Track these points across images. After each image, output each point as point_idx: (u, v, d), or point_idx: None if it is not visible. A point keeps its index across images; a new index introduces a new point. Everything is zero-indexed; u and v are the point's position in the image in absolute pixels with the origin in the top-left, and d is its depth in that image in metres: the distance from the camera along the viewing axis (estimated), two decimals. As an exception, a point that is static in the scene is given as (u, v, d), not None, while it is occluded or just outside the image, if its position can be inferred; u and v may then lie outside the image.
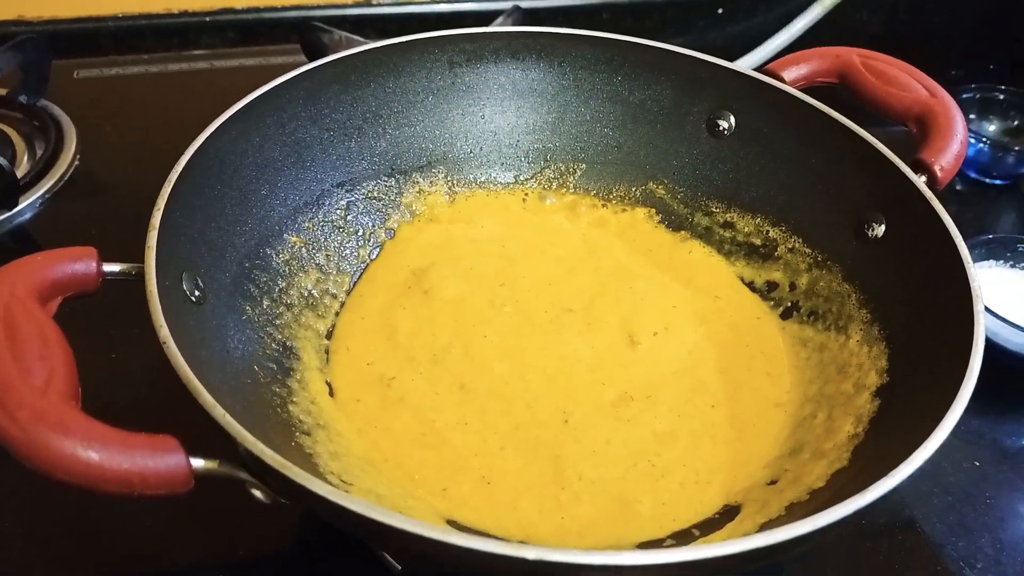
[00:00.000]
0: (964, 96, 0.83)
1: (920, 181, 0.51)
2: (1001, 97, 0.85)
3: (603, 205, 0.65)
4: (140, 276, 0.43)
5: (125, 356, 0.57)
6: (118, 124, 0.84)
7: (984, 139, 0.79)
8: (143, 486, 0.33)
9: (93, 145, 0.80)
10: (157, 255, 0.43)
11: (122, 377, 0.55)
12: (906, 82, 0.58)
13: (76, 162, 0.77)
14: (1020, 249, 0.66)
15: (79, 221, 0.71)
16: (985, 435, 0.59)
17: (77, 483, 0.33)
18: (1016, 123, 0.85)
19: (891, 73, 0.59)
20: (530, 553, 0.31)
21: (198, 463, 0.35)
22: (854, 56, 0.60)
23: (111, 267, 0.43)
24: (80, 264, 0.41)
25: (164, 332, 0.39)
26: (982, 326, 0.42)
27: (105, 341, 0.58)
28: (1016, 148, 0.80)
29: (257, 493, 0.37)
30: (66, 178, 0.76)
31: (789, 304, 0.58)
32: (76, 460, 0.32)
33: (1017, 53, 0.98)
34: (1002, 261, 0.66)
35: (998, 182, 0.81)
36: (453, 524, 0.45)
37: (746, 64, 0.83)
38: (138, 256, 0.44)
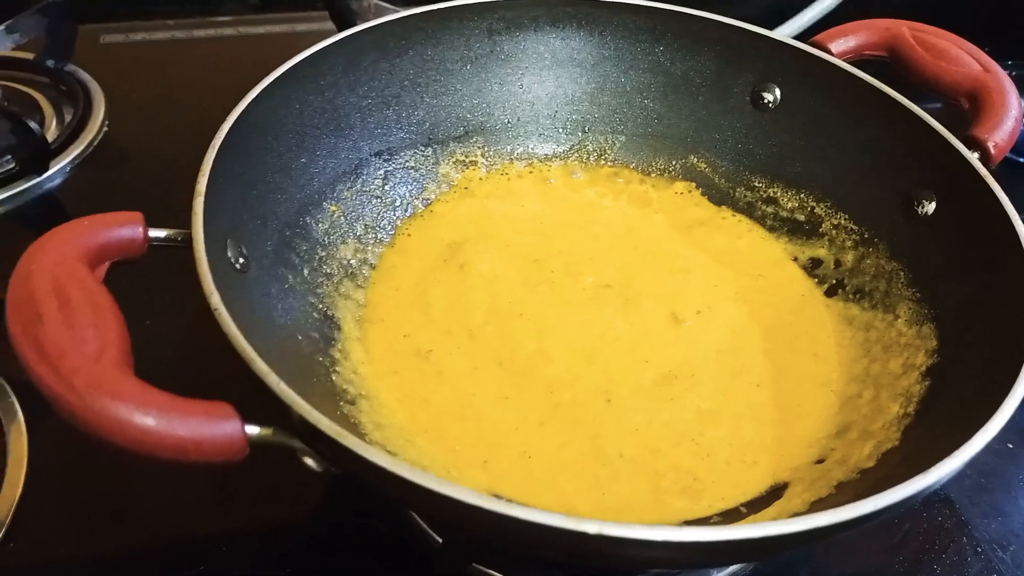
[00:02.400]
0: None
1: (974, 158, 0.50)
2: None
3: (642, 179, 0.64)
4: (186, 242, 0.42)
5: (167, 322, 0.57)
6: (146, 90, 0.83)
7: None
8: (199, 453, 0.33)
9: (121, 111, 0.79)
10: (204, 221, 0.42)
11: (166, 344, 0.55)
12: (958, 56, 0.56)
13: (104, 128, 0.77)
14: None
15: (109, 187, 0.71)
16: (1017, 417, 0.58)
17: (133, 449, 0.32)
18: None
19: (942, 47, 0.57)
20: (591, 527, 0.31)
21: (253, 430, 0.34)
22: (904, 28, 0.59)
23: (157, 233, 0.42)
24: (127, 229, 0.41)
25: (215, 299, 0.38)
26: (1041, 308, 0.41)
27: (147, 307, 0.57)
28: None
29: (309, 462, 0.36)
30: (95, 144, 0.75)
31: (834, 281, 0.57)
32: (133, 426, 0.32)
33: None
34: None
35: (1033, 161, 0.79)
36: (497, 497, 0.44)
37: (784, 34, 0.81)
38: (175, 223, 0.43)
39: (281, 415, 0.36)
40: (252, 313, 0.44)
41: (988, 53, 0.58)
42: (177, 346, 0.51)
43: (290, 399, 0.34)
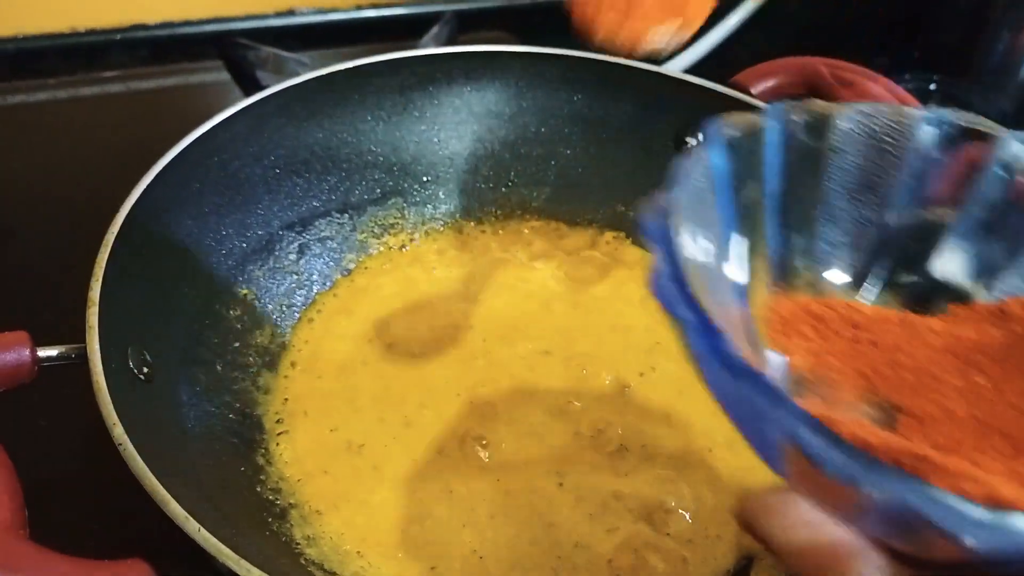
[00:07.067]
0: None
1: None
2: (933, 88, 0.84)
3: (571, 230, 0.62)
4: (81, 358, 0.38)
5: (63, 455, 0.49)
6: (28, 159, 0.77)
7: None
8: (112, 625, 0.29)
9: (0, 185, 0.72)
10: (100, 333, 0.38)
11: (63, 483, 0.47)
12: (875, 92, 0.56)
13: (-19, 206, 0.70)
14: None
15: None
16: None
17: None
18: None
19: (859, 82, 0.57)
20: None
21: (172, 588, 0.30)
22: (821, 67, 0.58)
23: (47, 352, 0.38)
24: (11, 354, 0.36)
25: (119, 431, 0.34)
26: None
27: (37, 439, 0.49)
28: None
29: (240, 610, 0.32)
30: (-30, 226, 0.68)
31: (773, 329, 0.56)
32: (31, 607, 0.27)
33: (942, 38, 0.98)
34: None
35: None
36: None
37: (679, 65, 0.80)
38: (67, 331, 0.39)
39: (202, 557, 0.32)
40: (161, 429, 0.40)
41: (884, 68, 0.58)
42: (77, 483, 0.45)
43: (214, 548, 0.31)
